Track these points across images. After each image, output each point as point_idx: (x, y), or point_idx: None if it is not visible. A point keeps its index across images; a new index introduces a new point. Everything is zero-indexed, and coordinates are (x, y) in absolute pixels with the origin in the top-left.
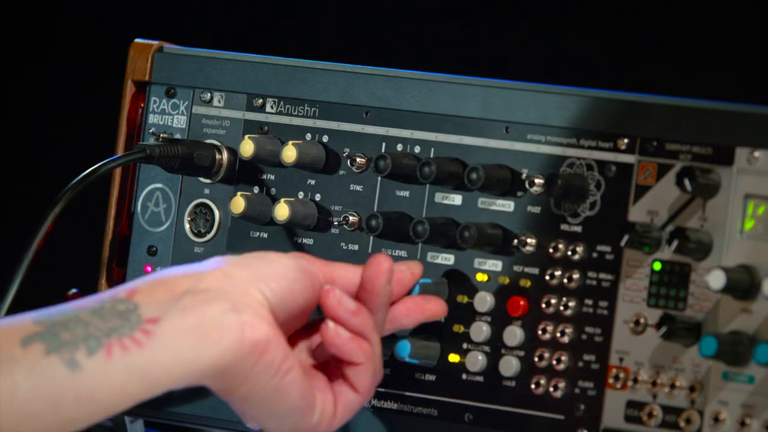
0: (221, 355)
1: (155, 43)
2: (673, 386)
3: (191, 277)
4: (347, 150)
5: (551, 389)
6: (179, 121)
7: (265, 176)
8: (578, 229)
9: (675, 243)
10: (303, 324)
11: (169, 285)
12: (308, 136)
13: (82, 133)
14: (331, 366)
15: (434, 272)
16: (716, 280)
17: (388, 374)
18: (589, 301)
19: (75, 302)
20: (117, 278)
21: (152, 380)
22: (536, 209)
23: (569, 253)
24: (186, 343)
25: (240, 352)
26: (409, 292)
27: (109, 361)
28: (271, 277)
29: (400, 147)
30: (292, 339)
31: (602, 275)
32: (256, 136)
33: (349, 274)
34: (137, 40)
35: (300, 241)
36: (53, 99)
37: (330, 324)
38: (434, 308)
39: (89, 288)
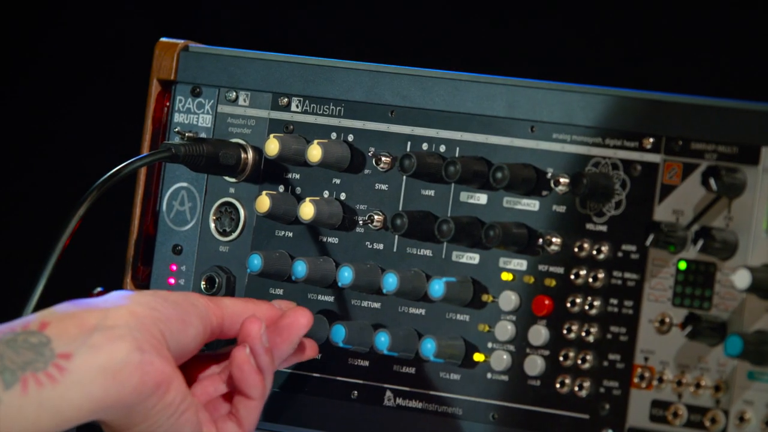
0: (128, 395)
1: (181, 42)
2: (698, 386)
3: (99, 312)
4: (372, 149)
5: (576, 388)
6: (204, 120)
7: (290, 175)
8: (603, 228)
9: (700, 242)
10: (185, 360)
11: (78, 319)
12: (333, 135)
13: (108, 133)
14: (215, 402)
15: (459, 271)
16: (741, 279)
17: (413, 373)
18: (614, 301)
19: None
20: (142, 277)
21: (62, 416)
22: (561, 208)
23: (594, 252)
24: (96, 381)
25: (144, 392)
26: None
27: (24, 395)
28: (170, 318)
29: (425, 146)
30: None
31: (627, 274)
32: (282, 135)
33: (238, 309)
34: (163, 39)
35: (325, 240)
36: (78, 99)
37: (247, 350)
38: (308, 355)
39: (115, 287)
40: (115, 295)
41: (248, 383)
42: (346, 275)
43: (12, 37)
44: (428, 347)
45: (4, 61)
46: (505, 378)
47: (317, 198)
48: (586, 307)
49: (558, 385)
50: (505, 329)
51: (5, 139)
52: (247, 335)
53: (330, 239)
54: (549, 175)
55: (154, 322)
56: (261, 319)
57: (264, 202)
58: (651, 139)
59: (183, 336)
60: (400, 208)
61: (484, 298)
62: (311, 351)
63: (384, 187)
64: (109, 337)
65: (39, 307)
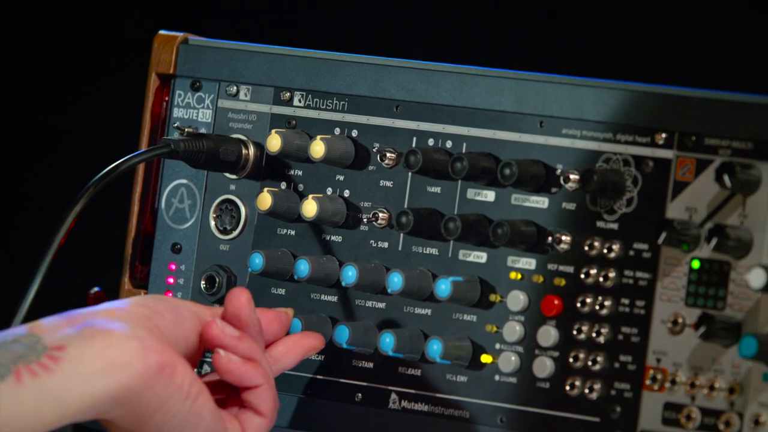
0: (130, 380)
1: (180, 34)
2: (712, 388)
3: (88, 312)
4: (377, 145)
5: (586, 391)
6: (204, 115)
7: (292, 172)
8: (614, 226)
9: (714, 240)
10: (192, 358)
11: (68, 318)
12: (337, 131)
13: (105, 128)
14: (229, 400)
15: (466, 271)
16: (757, 278)
17: (418, 375)
18: (625, 301)
19: None
20: (141, 276)
21: (64, 405)
22: (571, 206)
23: (605, 251)
24: (94, 367)
25: (148, 376)
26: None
27: (19, 386)
28: (161, 311)
29: (431, 142)
30: None
31: (639, 274)
32: (284, 130)
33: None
34: (162, 32)
35: (328, 238)
36: (75, 93)
37: (221, 351)
38: (313, 343)
39: (112, 287)
40: (101, 305)
41: (243, 376)
42: (350, 274)
43: (11, 31)
44: (434, 348)
45: (2, 56)
46: (513, 380)
47: (320, 195)
48: (597, 307)
49: (568, 388)
50: (514, 330)
51: (3, 136)
52: (210, 339)
53: (333, 237)
54: (558, 171)
55: (146, 316)
56: (214, 319)
57: (265, 200)
58: (663, 135)
59: (179, 328)
60: (406, 206)
61: (492, 297)
62: (314, 343)
63: (389, 183)
64: (103, 328)
65: (34, 307)
